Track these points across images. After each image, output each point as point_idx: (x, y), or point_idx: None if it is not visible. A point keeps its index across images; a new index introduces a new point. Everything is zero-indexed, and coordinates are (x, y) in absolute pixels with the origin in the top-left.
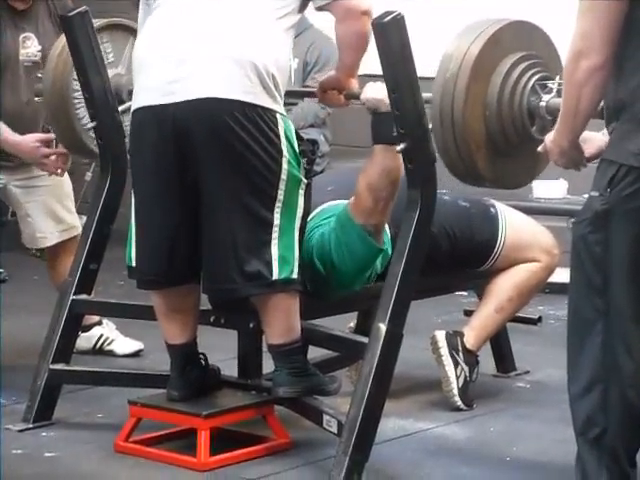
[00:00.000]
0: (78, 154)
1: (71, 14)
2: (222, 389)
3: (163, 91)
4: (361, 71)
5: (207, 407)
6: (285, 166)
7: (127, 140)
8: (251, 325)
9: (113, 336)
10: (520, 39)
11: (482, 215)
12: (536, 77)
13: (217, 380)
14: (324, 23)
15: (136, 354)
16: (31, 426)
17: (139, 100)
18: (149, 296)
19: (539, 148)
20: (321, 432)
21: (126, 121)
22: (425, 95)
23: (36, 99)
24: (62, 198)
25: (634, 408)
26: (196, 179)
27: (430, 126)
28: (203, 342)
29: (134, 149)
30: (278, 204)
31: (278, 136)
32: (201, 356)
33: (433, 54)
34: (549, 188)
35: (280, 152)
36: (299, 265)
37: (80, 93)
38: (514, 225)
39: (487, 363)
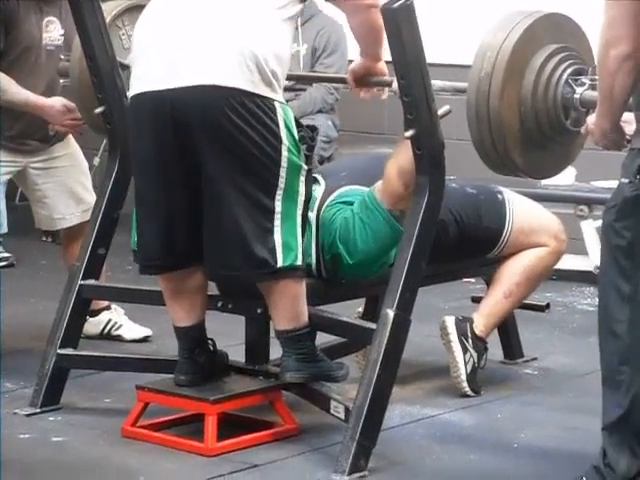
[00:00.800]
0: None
1: None
2: (230, 375)
3: (161, 77)
4: None
5: (215, 392)
6: (285, 153)
7: None
8: (259, 311)
9: (121, 321)
10: (552, 32)
11: (490, 201)
12: (569, 70)
13: (225, 365)
14: (333, 9)
15: (144, 340)
16: (38, 411)
17: (137, 86)
18: (157, 281)
19: (582, 129)
20: (328, 418)
21: None
22: (458, 84)
23: (61, 81)
24: (81, 177)
25: None
26: (196, 165)
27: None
28: (211, 328)
29: (133, 135)
30: (279, 191)
31: (277, 124)
32: (209, 341)
33: (443, 40)
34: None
35: (280, 140)
36: (315, 252)
37: None
38: (522, 211)
39: (495, 350)
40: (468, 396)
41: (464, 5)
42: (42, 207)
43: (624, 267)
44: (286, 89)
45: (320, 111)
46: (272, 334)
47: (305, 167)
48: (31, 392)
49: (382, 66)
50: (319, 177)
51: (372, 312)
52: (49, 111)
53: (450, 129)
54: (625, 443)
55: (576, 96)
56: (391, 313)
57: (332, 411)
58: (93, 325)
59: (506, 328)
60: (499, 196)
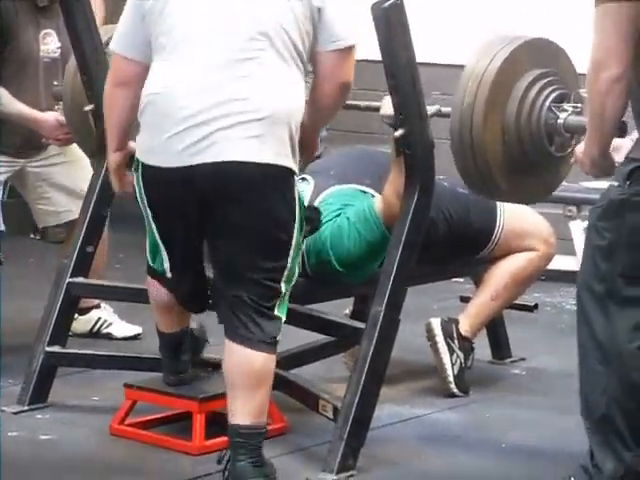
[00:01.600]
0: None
1: None
2: (219, 373)
3: (189, 151)
4: (361, 56)
5: (203, 391)
6: (295, 233)
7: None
8: None
9: (111, 319)
10: (533, 58)
11: (481, 202)
12: (552, 96)
13: (205, 340)
14: None
15: (133, 338)
16: (26, 408)
17: (157, 158)
18: (146, 280)
19: (571, 160)
20: (317, 417)
21: None
22: (443, 109)
23: (56, 107)
24: (82, 172)
25: (636, 390)
26: (213, 234)
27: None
28: None
29: (149, 199)
30: (286, 272)
31: (294, 199)
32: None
33: (432, 39)
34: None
35: (294, 218)
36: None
37: None
38: (512, 213)
39: (483, 350)
40: (456, 396)
41: (454, 4)
42: (46, 203)
43: (600, 268)
44: None
45: None
46: None
47: (302, 248)
48: (19, 390)
49: (316, 143)
50: (307, 176)
51: (361, 312)
52: (43, 125)
53: (440, 130)
54: (609, 444)
55: (560, 121)
56: (380, 313)
57: (321, 410)
58: (82, 323)
59: (494, 328)
60: None
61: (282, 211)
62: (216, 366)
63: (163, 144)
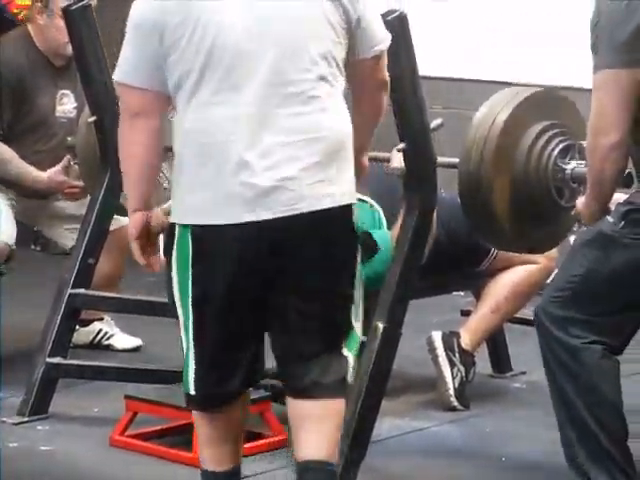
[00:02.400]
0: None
1: (74, 7)
2: None
3: (253, 204)
4: None
5: None
6: (358, 265)
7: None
8: None
9: (112, 331)
10: (537, 111)
11: None
12: (557, 150)
13: None
14: None
15: (134, 349)
16: (27, 419)
17: (209, 215)
18: (148, 291)
19: (572, 212)
20: None
21: None
22: (451, 160)
23: (73, 164)
24: None
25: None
26: (278, 291)
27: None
28: None
29: (200, 265)
30: (354, 309)
31: (356, 231)
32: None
33: (435, 53)
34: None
35: (357, 251)
36: None
37: None
38: None
39: (483, 363)
40: (457, 409)
41: (457, 18)
42: (73, 231)
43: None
44: None
45: None
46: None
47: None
48: (20, 401)
49: (365, 161)
50: None
51: (362, 325)
52: (48, 184)
53: (443, 145)
54: (600, 461)
55: (567, 172)
56: (381, 326)
57: None
58: (83, 335)
59: (495, 342)
60: None
61: (353, 255)
62: None
63: (224, 197)
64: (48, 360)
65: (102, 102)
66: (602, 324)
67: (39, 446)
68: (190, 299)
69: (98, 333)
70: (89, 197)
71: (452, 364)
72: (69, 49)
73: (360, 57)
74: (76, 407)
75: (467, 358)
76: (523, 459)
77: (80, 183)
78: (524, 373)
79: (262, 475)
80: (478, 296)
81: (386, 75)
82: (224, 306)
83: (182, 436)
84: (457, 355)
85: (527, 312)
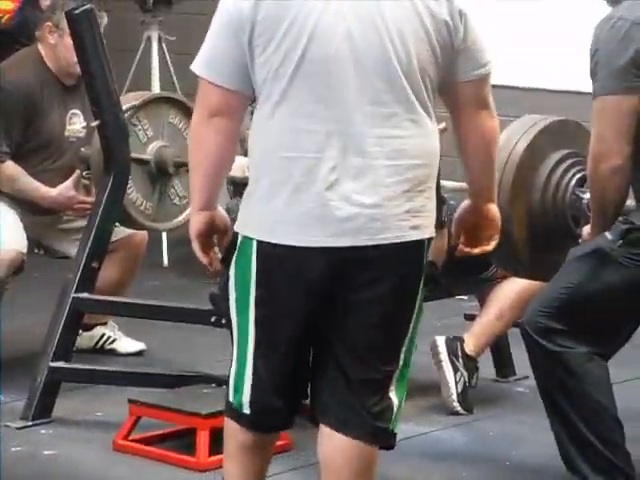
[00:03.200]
0: (127, 226)
1: (77, 11)
2: (222, 389)
3: (335, 229)
4: None
5: (207, 407)
6: (419, 297)
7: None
8: None
9: (115, 336)
10: (555, 140)
11: None
12: (574, 180)
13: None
14: None
15: (138, 354)
16: (30, 424)
17: (283, 234)
18: (150, 295)
19: (580, 240)
20: None
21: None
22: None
23: (84, 176)
24: None
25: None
26: (341, 318)
27: None
28: (204, 343)
29: (265, 285)
30: (406, 342)
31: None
32: None
33: None
34: None
35: (421, 283)
36: None
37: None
38: None
39: (487, 368)
40: (460, 414)
41: None
42: (67, 234)
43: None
44: None
45: None
46: None
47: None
48: (23, 405)
49: (495, 211)
50: None
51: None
52: (57, 200)
53: (447, 146)
54: (603, 472)
55: (584, 202)
56: None
57: None
58: (87, 339)
59: (498, 346)
60: None
61: (419, 288)
62: (219, 382)
63: (302, 217)
64: (51, 364)
65: (105, 105)
66: (589, 336)
67: (42, 450)
68: (252, 319)
69: (101, 337)
70: None
71: (455, 369)
72: (79, 68)
73: (460, 79)
74: (79, 411)
75: (470, 363)
76: (527, 463)
77: (90, 199)
78: (527, 377)
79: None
80: (482, 301)
81: (489, 97)
82: (291, 330)
83: (185, 440)
84: (460, 360)
85: None
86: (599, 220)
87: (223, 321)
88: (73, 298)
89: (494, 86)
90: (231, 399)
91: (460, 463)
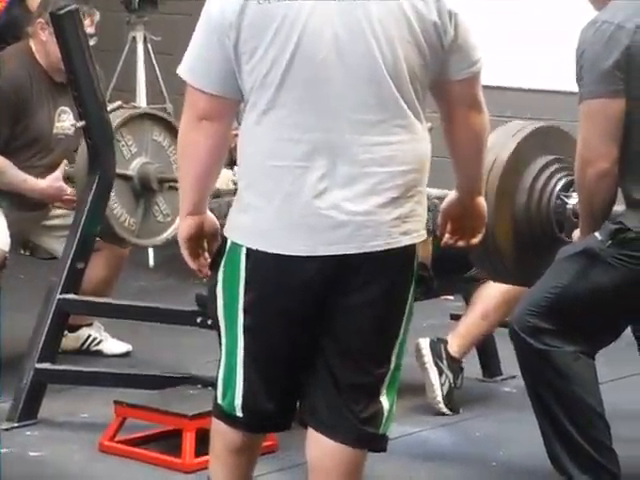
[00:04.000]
0: (110, 241)
1: (61, 12)
2: (208, 390)
3: (325, 237)
4: None
5: (193, 408)
6: (409, 302)
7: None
8: None
9: (101, 337)
10: (541, 145)
11: None
12: (559, 185)
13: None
14: None
15: (123, 355)
16: (16, 425)
17: (271, 241)
18: (136, 296)
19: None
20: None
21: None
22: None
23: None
24: None
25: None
26: (331, 322)
27: None
28: (190, 344)
29: (253, 293)
30: (397, 346)
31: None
32: None
33: None
34: None
35: (412, 287)
36: None
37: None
38: None
39: (473, 367)
40: (446, 415)
41: None
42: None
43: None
44: None
45: None
46: None
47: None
48: (9, 406)
49: (482, 204)
50: None
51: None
52: (47, 191)
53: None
54: (589, 470)
55: (568, 207)
56: None
57: None
58: (72, 340)
59: (484, 346)
60: None
61: (409, 292)
62: (206, 384)
63: (292, 226)
64: (37, 365)
65: (90, 107)
66: (577, 336)
67: (28, 452)
68: (240, 326)
69: (87, 338)
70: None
71: (440, 371)
72: None
73: (451, 78)
74: (65, 412)
75: (455, 365)
76: (513, 463)
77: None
78: (514, 377)
79: None
80: (468, 300)
81: (479, 93)
82: (278, 335)
83: (171, 441)
84: (445, 362)
85: None
86: (588, 224)
87: (209, 322)
88: (59, 299)
89: (485, 87)
90: (220, 402)
91: (447, 463)
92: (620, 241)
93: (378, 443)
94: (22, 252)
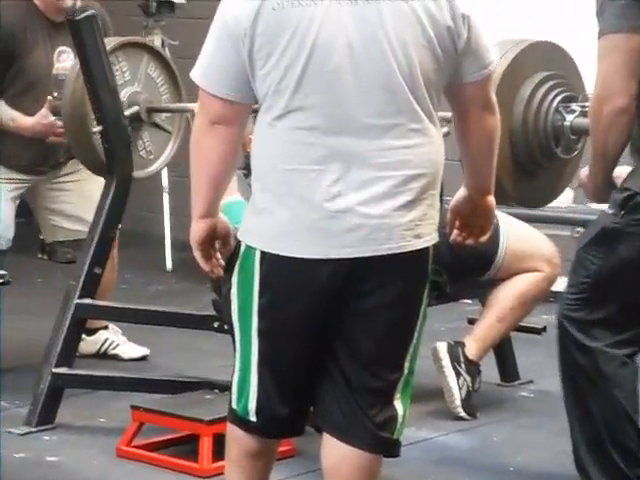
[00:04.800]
0: (90, 168)
1: (78, 17)
2: (224, 395)
3: (339, 240)
4: None
5: (210, 413)
6: (424, 304)
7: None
8: None
9: (118, 341)
10: (539, 60)
11: None
12: (559, 98)
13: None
14: None
15: (141, 359)
16: (33, 430)
17: (286, 245)
18: (151, 300)
19: (577, 185)
20: None
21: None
22: (445, 114)
23: (53, 118)
24: (98, 188)
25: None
26: (345, 327)
27: None
28: (207, 348)
29: (268, 296)
30: (410, 350)
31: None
32: None
33: None
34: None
35: (426, 290)
36: None
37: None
38: (515, 235)
39: (491, 372)
40: (464, 419)
41: None
42: (67, 219)
43: (584, 292)
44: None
45: None
46: None
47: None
48: (26, 411)
49: (492, 202)
50: None
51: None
52: (36, 128)
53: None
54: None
55: (566, 124)
56: None
57: None
58: (90, 344)
59: (502, 350)
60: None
61: (423, 294)
62: (223, 388)
63: (307, 229)
64: (54, 370)
65: (108, 111)
66: (621, 321)
67: (45, 457)
68: (254, 330)
69: (104, 342)
70: (80, 197)
71: (458, 374)
72: (68, 2)
73: (463, 81)
74: (82, 417)
75: (473, 368)
76: (531, 468)
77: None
78: (532, 382)
79: None
80: (484, 303)
81: (492, 94)
82: (292, 339)
83: (188, 446)
84: (463, 365)
85: (534, 320)
86: (599, 164)
87: (225, 327)
88: (76, 304)
89: None
90: (235, 406)
91: (464, 468)
92: (633, 207)
93: (393, 448)
94: (40, 256)
